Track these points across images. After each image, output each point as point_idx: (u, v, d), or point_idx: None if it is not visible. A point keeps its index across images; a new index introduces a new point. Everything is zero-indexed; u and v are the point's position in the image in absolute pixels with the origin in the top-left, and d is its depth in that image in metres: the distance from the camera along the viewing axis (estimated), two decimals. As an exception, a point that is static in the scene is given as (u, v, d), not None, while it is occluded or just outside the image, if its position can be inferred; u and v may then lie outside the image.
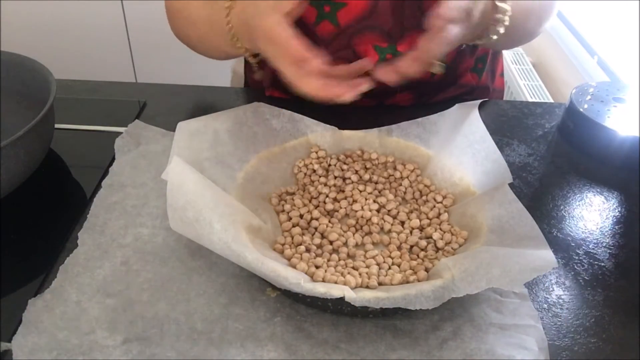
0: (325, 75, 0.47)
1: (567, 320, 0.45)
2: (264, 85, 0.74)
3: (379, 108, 0.70)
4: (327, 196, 0.54)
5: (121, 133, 0.61)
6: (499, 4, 0.54)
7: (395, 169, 0.57)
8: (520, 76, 1.41)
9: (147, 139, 0.61)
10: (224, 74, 0.93)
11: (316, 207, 0.53)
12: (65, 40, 1.71)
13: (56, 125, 0.58)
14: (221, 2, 0.58)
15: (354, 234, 0.50)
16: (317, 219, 0.51)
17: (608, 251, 0.51)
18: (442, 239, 0.49)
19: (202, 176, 0.47)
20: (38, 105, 0.52)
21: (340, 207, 0.53)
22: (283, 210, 0.52)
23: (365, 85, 0.47)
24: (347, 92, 0.46)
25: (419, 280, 0.45)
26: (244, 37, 0.57)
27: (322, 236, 0.50)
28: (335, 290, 0.40)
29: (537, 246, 0.43)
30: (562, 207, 0.56)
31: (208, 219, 0.42)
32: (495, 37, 0.56)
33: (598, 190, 0.59)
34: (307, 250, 0.48)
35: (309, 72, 0.47)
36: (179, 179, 0.44)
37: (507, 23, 0.55)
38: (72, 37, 1.71)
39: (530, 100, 1.31)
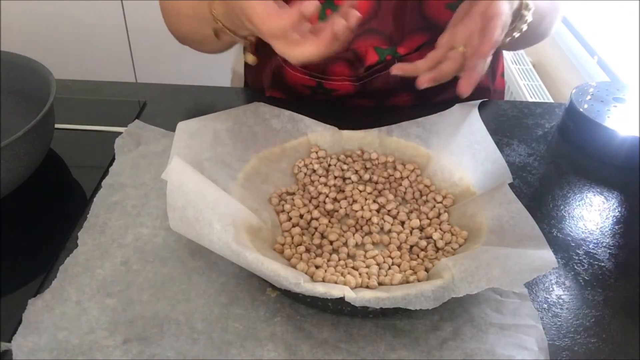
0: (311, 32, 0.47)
1: (567, 320, 0.45)
2: (264, 86, 0.73)
3: (379, 108, 0.70)
4: (327, 196, 0.54)
5: (121, 133, 0.61)
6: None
7: (395, 169, 0.57)
8: (520, 76, 1.41)
9: (147, 139, 0.61)
10: (224, 74, 0.93)
11: (316, 207, 0.53)
12: (65, 40, 1.71)
13: (56, 125, 0.58)
14: None
15: (354, 234, 0.50)
16: (317, 219, 0.51)
17: (608, 251, 0.51)
18: (442, 239, 0.49)
19: (202, 176, 0.47)
20: (38, 105, 0.52)
21: (340, 207, 0.53)
22: (283, 210, 0.52)
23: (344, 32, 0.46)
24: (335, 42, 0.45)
25: (419, 280, 0.45)
26: (228, 19, 0.56)
27: (322, 236, 0.50)
28: (335, 290, 0.40)
29: (537, 246, 0.43)
30: (562, 207, 0.56)
31: (208, 219, 0.42)
32: (517, 34, 0.57)
33: (598, 190, 0.59)
34: (307, 250, 0.48)
35: (296, 40, 0.46)
36: (179, 179, 0.44)
37: (529, 20, 0.56)
38: (72, 37, 1.71)
39: (530, 100, 1.31)
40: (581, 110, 0.64)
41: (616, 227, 0.54)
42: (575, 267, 0.49)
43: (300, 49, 0.46)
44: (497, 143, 0.59)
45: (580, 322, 0.44)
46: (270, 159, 0.56)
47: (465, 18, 0.51)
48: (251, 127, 0.58)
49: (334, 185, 0.55)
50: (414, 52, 0.66)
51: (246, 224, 0.46)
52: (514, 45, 0.62)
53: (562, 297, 0.46)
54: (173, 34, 0.70)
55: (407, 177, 0.57)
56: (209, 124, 0.56)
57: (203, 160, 0.52)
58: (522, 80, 1.39)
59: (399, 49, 0.65)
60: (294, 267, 0.45)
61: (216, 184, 0.48)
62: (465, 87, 0.49)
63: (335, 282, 0.43)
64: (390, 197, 0.54)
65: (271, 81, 0.71)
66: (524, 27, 0.56)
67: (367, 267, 0.46)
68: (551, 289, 0.47)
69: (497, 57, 0.78)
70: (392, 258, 0.48)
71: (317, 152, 0.58)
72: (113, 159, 0.58)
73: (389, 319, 0.43)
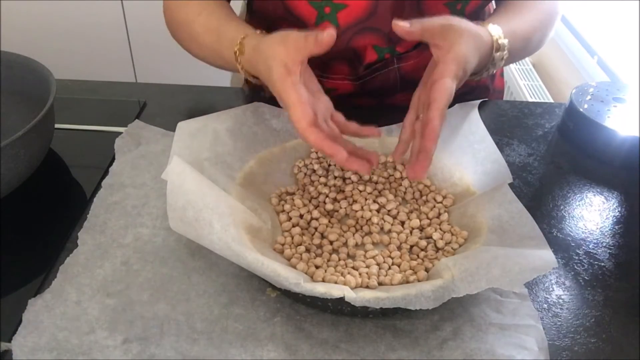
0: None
1: (567, 320, 0.45)
2: (264, 85, 0.73)
3: (379, 108, 0.70)
4: (327, 196, 0.54)
5: (121, 133, 0.61)
6: (497, 40, 0.55)
7: (395, 169, 0.57)
8: (520, 76, 1.41)
9: (147, 139, 0.61)
10: (224, 74, 0.93)
11: (316, 207, 0.53)
12: (65, 40, 1.71)
13: (56, 125, 0.58)
14: (229, 39, 0.57)
15: (353, 234, 0.50)
16: (317, 219, 0.51)
17: (608, 251, 0.51)
18: (442, 239, 0.49)
19: (202, 176, 0.47)
20: (38, 105, 0.52)
21: (340, 207, 0.53)
22: (283, 210, 0.52)
23: (365, 169, 0.46)
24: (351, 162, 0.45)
25: (419, 280, 0.45)
26: (253, 70, 0.56)
27: (322, 236, 0.50)
28: (335, 290, 0.40)
29: (537, 246, 0.43)
30: (562, 207, 0.56)
31: (208, 219, 0.42)
32: (493, 70, 0.58)
33: (598, 190, 0.59)
34: (307, 250, 0.48)
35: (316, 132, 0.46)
36: (179, 179, 0.44)
37: (507, 56, 0.56)
38: (72, 37, 1.71)
39: (530, 100, 1.31)
40: (581, 110, 0.64)
41: (616, 227, 0.54)
42: (575, 267, 0.49)
43: (320, 145, 0.45)
44: (497, 143, 0.59)
45: (580, 322, 0.44)
46: (270, 159, 0.56)
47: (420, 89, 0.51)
48: (251, 127, 0.58)
49: (334, 185, 0.55)
50: (412, 50, 0.66)
51: (246, 224, 0.46)
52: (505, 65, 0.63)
53: (562, 297, 0.46)
54: (177, 41, 0.69)
55: (407, 177, 0.57)
56: (209, 124, 0.56)
57: (203, 160, 0.52)
58: (522, 80, 1.39)
59: (397, 47, 0.65)
60: (294, 267, 0.45)
61: (216, 184, 0.48)
62: (420, 172, 0.46)
63: (335, 282, 0.43)
64: (390, 197, 0.54)
65: None
66: (501, 64, 0.57)
67: (367, 267, 0.46)
68: (551, 289, 0.47)
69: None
70: (392, 258, 0.48)
71: (317, 152, 0.58)
72: (113, 159, 0.58)
73: (389, 319, 0.43)
